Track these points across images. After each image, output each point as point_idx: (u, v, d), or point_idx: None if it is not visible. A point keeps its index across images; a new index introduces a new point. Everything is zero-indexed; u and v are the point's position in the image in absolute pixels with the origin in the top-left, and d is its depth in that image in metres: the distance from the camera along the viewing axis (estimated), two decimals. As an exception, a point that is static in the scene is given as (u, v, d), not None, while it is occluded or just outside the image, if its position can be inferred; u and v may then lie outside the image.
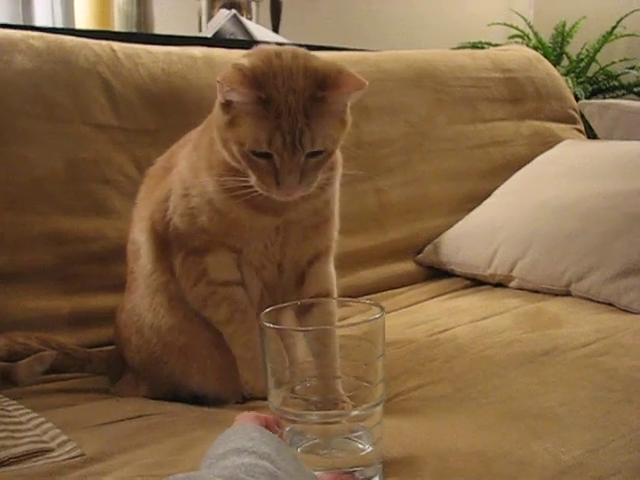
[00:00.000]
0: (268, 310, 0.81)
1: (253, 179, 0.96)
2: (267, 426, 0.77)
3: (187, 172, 1.08)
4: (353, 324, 0.81)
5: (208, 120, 1.12)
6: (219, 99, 0.97)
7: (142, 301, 1.13)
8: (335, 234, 1.15)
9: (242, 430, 0.72)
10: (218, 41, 2.06)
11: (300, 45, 2.16)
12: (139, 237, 1.14)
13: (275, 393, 0.79)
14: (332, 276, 1.14)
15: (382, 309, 0.79)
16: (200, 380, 1.12)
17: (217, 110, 0.98)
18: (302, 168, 0.94)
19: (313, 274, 1.11)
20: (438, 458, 0.83)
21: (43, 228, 1.40)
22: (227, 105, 0.95)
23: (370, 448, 0.78)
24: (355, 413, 0.77)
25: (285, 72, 0.93)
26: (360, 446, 0.78)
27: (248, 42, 2.17)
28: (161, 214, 1.10)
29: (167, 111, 1.60)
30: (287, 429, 0.77)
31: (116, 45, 1.62)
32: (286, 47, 1.01)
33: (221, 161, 1.01)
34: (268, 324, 0.78)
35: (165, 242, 1.10)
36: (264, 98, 0.92)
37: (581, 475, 0.79)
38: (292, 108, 0.92)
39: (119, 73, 1.57)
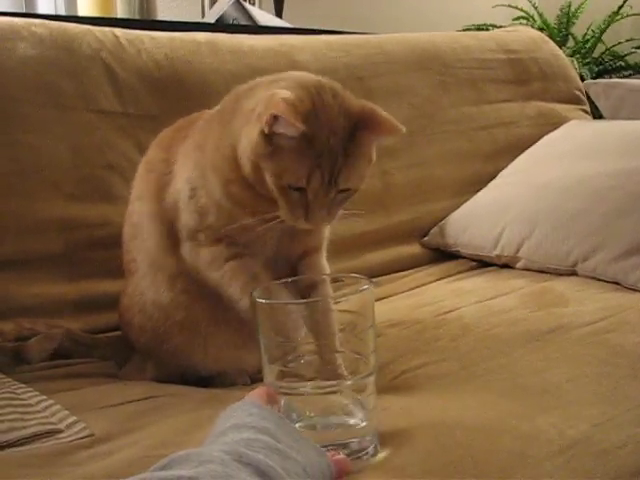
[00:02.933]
0: (261, 287, 0.83)
1: (282, 210, 0.96)
2: (274, 399, 0.78)
3: (192, 172, 1.07)
4: (343, 296, 0.82)
5: (210, 119, 1.12)
6: (262, 128, 0.93)
7: (143, 280, 1.14)
8: (326, 232, 1.15)
9: (241, 407, 0.73)
10: (221, 26, 2.06)
11: (303, 30, 2.17)
12: (147, 224, 1.14)
13: (269, 369, 0.80)
14: (325, 267, 1.14)
15: (370, 281, 0.80)
16: (201, 357, 1.13)
17: (256, 138, 0.94)
18: (330, 203, 0.96)
19: (305, 265, 1.12)
20: (444, 432, 0.83)
21: (48, 215, 1.41)
22: (269, 136, 0.93)
23: (364, 423, 0.79)
24: (348, 384, 0.78)
25: (328, 110, 0.94)
26: (353, 421, 0.79)
27: (251, 27, 2.17)
28: (173, 213, 1.09)
29: (170, 96, 1.60)
30: (282, 403, 0.78)
31: (119, 31, 1.62)
32: (321, 81, 1.01)
33: (227, 161, 1.01)
34: (261, 300, 0.79)
35: (172, 230, 1.10)
36: (309, 135, 0.92)
37: (587, 449, 0.79)
38: (333, 148, 0.93)
39: (122, 59, 1.57)
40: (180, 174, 1.09)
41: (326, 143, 0.92)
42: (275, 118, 0.90)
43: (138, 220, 1.16)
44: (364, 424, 0.79)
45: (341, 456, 0.75)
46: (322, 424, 0.79)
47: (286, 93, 0.93)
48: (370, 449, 0.79)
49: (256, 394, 0.78)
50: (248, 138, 0.96)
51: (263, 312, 0.79)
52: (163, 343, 1.13)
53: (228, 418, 0.71)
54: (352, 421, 0.79)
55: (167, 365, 1.15)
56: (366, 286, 0.79)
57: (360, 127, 0.96)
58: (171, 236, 1.10)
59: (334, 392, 0.79)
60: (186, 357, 1.13)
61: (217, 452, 0.61)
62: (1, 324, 1.25)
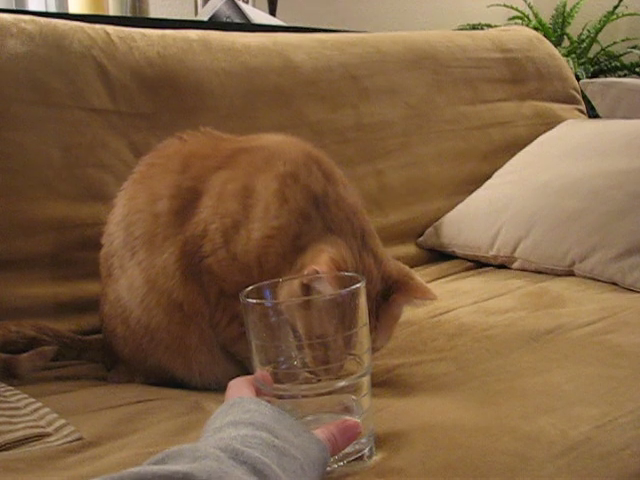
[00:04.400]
0: (250, 288, 0.80)
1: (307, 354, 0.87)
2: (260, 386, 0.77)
3: (230, 220, 1.04)
4: (335, 294, 0.80)
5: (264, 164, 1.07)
6: (302, 281, 0.92)
7: (130, 293, 1.09)
8: None
9: (238, 403, 0.71)
10: (214, 25, 2.04)
11: (298, 28, 2.16)
12: (160, 241, 1.09)
13: (260, 369, 0.78)
14: None
15: (362, 278, 0.78)
16: (187, 373, 1.10)
17: (295, 287, 0.92)
18: None
19: None
20: (443, 434, 0.81)
21: (39, 214, 1.38)
22: (308, 288, 0.91)
23: (358, 419, 0.77)
24: (342, 384, 0.76)
25: (367, 274, 0.95)
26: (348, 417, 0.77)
27: (245, 25, 2.15)
28: (195, 247, 1.05)
29: (163, 95, 1.58)
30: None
31: (110, 29, 1.60)
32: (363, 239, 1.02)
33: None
34: (251, 300, 0.77)
35: (193, 263, 1.06)
36: None
37: (589, 451, 0.77)
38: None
39: (114, 57, 1.55)
40: (217, 215, 1.05)
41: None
42: (319, 278, 0.90)
43: (143, 231, 1.11)
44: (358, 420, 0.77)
45: (346, 419, 0.75)
46: (315, 424, 0.76)
47: (333, 251, 0.94)
48: (366, 451, 0.78)
49: (243, 383, 0.77)
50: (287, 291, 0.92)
51: (254, 313, 0.77)
52: (147, 358, 1.10)
53: (225, 414, 0.70)
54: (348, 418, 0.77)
55: (154, 374, 1.13)
56: (358, 284, 0.77)
57: (394, 290, 0.99)
58: (189, 265, 1.06)
59: (328, 394, 0.76)
60: (171, 372, 1.10)
61: (212, 448, 0.60)
62: None
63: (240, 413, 0.69)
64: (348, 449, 0.75)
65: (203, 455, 0.58)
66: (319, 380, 0.78)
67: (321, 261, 0.92)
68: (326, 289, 0.89)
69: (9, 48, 1.42)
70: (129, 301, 1.10)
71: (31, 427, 0.90)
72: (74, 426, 0.91)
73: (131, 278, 1.10)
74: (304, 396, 0.77)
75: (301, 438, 0.68)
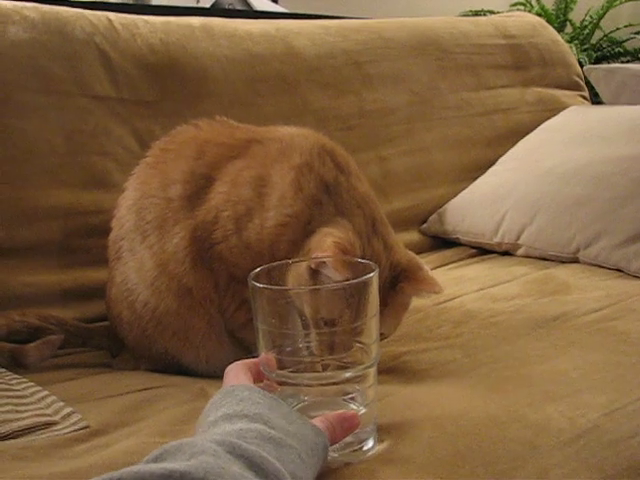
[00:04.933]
0: (258, 270, 0.79)
1: (314, 341, 0.86)
2: (257, 371, 0.76)
3: (244, 208, 1.04)
4: (346, 282, 0.78)
5: (279, 153, 1.08)
6: (309, 265, 0.92)
7: (139, 275, 1.09)
8: None
9: (231, 393, 0.70)
10: (216, 11, 2.03)
11: (300, 15, 2.15)
12: (171, 225, 1.09)
13: (266, 354, 0.77)
14: None
15: (375, 267, 0.77)
16: (194, 360, 1.10)
17: (302, 270, 0.92)
18: None
19: None
20: (450, 421, 0.81)
21: (42, 202, 1.38)
22: (315, 272, 0.91)
23: (363, 409, 0.76)
24: (348, 375, 0.75)
25: (374, 260, 0.91)
26: (354, 407, 0.76)
27: (247, 12, 2.14)
28: (206, 234, 1.06)
29: (166, 81, 1.57)
30: (279, 390, 0.76)
31: (112, 15, 1.59)
32: (374, 227, 1.02)
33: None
34: (259, 284, 0.76)
35: (203, 248, 1.07)
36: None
37: (598, 438, 0.77)
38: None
39: (116, 44, 1.54)
40: (230, 202, 1.06)
41: None
42: (324, 262, 0.90)
43: (154, 215, 1.11)
44: (363, 411, 0.76)
45: (351, 412, 0.74)
46: (315, 407, 0.76)
47: (339, 235, 0.94)
48: (369, 441, 0.77)
49: (240, 368, 0.76)
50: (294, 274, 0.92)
51: (262, 297, 0.76)
52: (153, 344, 1.10)
53: (219, 405, 0.69)
54: (351, 407, 0.76)
55: (159, 361, 1.13)
56: (371, 274, 0.76)
57: (402, 279, 1.00)
58: (200, 250, 1.06)
59: (333, 384, 0.76)
60: (177, 359, 1.11)
61: (209, 442, 0.59)
62: None
63: (234, 404, 0.68)
64: (349, 439, 0.75)
65: (200, 451, 0.57)
66: (325, 369, 0.77)
67: (325, 246, 0.92)
68: (331, 274, 0.89)
69: (11, 35, 1.41)
70: (137, 284, 1.10)
71: (38, 415, 0.89)
72: (81, 414, 0.91)
73: (141, 261, 1.10)
74: (308, 385, 0.76)
75: (296, 425, 0.68)
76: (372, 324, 0.77)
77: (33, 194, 1.38)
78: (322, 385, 0.76)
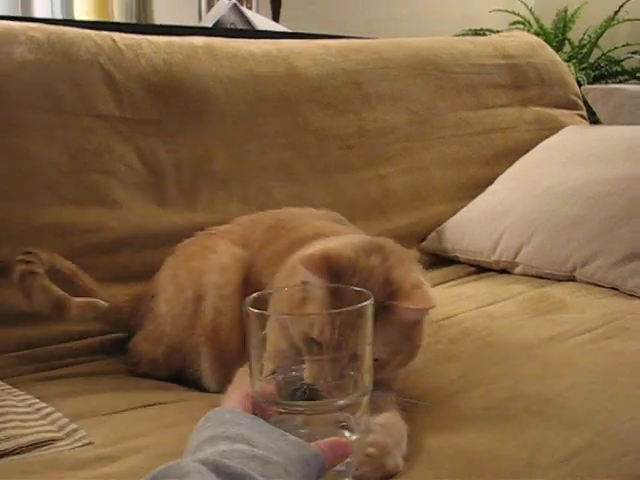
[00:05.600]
0: (253, 296, 0.79)
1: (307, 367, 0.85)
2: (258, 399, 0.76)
3: None
4: (342, 310, 0.78)
5: None
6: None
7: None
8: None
9: (214, 416, 0.71)
10: (218, 31, 2.05)
11: (301, 34, 2.17)
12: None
13: (258, 381, 0.77)
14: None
15: (371, 296, 0.77)
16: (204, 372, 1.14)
17: (294, 290, 0.93)
18: None
19: None
20: (446, 440, 0.83)
21: (45, 219, 1.39)
22: (303, 283, 0.92)
23: (355, 437, 0.75)
24: (341, 403, 0.74)
25: (365, 274, 0.92)
26: (346, 435, 0.76)
27: (249, 31, 2.17)
28: None
29: (169, 101, 1.59)
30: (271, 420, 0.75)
31: (117, 36, 1.61)
32: (386, 243, 1.00)
33: None
34: (252, 309, 0.76)
35: None
36: (335, 290, 0.89)
37: (592, 456, 0.79)
38: None
39: (120, 64, 1.56)
40: None
41: None
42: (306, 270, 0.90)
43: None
44: (355, 438, 0.75)
45: (342, 440, 0.73)
46: (310, 438, 0.74)
47: (332, 247, 0.94)
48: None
49: (237, 399, 0.76)
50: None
51: (255, 322, 0.76)
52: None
53: (202, 430, 0.70)
54: (345, 435, 0.76)
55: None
56: (367, 301, 0.76)
57: (395, 297, 0.91)
58: None
59: (325, 412, 0.76)
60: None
61: (194, 463, 0.60)
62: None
63: (216, 426, 0.68)
64: (340, 467, 0.73)
65: (186, 472, 0.58)
66: (317, 396, 0.76)
67: (309, 255, 0.91)
68: (309, 278, 0.90)
69: (17, 55, 1.44)
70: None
71: (43, 432, 0.91)
72: (85, 431, 0.92)
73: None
74: (300, 412, 0.75)
75: (278, 442, 0.68)
76: (366, 352, 0.76)
77: (37, 211, 1.39)
78: (315, 413, 0.76)
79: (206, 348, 1.12)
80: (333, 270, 0.89)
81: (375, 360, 0.85)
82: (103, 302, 1.23)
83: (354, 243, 0.97)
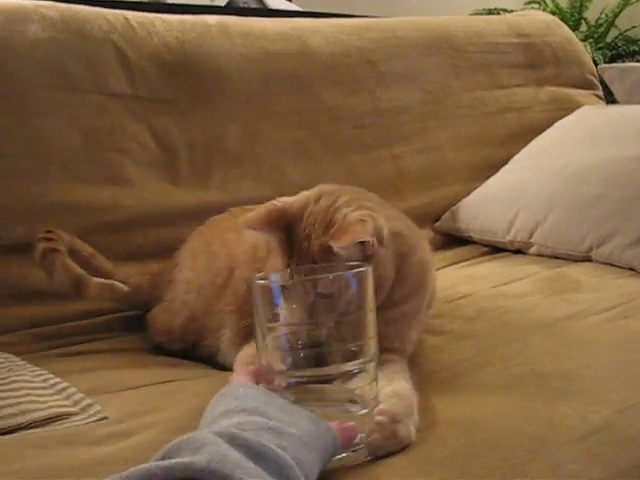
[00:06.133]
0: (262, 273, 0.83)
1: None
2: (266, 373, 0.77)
3: None
4: (340, 275, 0.79)
5: None
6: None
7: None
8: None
9: (227, 392, 0.72)
10: (231, 10, 2.04)
11: (314, 13, 2.16)
12: None
13: (265, 353, 0.78)
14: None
15: (368, 265, 0.79)
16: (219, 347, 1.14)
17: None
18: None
19: None
20: (462, 417, 0.82)
21: (59, 198, 1.40)
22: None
23: (365, 411, 0.76)
24: (347, 369, 0.75)
25: (311, 219, 0.92)
26: (354, 410, 0.77)
27: (262, 10, 2.16)
28: None
29: (182, 79, 1.59)
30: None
31: (129, 14, 1.61)
32: (344, 189, 0.98)
33: None
34: (259, 281, 0.77)
35: None
36: (284, 240, 0.93)
37: (610, 435, 0.78)
38: (304, 254, 0.91)
39: (133, 42, 1.56)
40: None
41: (298, 249, 0.92)
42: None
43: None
44: (364, 412, 0.76)
45: (348, 424, 0.73)
46: (319, 414, 0.74)
47: (285, 200, 0.96)
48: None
49: (245, 375, 0.77)
50: None
51: (260, 295, 0.77)
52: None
53: (216, 405, 0.70)
54: (352, 409, 0.77)
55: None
56: (363, 268, 0.78)
57: (332, 236, 0.89)
58: None
59: (330, 380, 0.76)
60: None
61: (209, 434, 0.60)
62: None
63: (230, 401, 0.69)
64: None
65: (201, 444, 0.58)
66: (323, 362, 0.77)
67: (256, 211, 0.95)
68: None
69: (31, 34, 1.43)
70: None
71: (58, 406, 0.91)
72: (100, 406, 0.93)
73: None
74: (308, 381, 0.76)
75: (293, 416, 0.69)
76: (369, 318, 0.77)
77: (50, 190, 1.40)
78: (323, 378, 0.76)
79: (233, 318, 1.11)
80: (279, 221, 0.93)
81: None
82: (122, 285, 1.23)
83: (307, 193, 0.98)
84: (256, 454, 0.59)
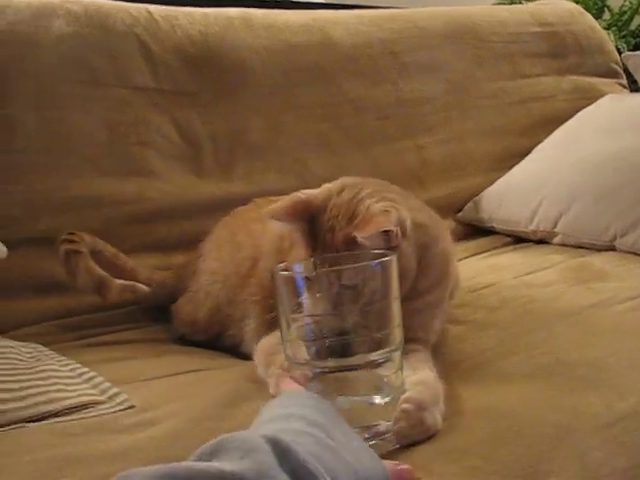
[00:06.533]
0: (284, 264, 0.82)
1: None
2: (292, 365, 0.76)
3: None
4: (364, 265, 0.79)
5: None
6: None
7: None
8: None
9: (296, 397, 0.68)
10: (253, 2, 2.04)
11: (335, 4, 2.15)
12: None
13: (290, 345, 0.78)
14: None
15: (392, 253, 0.79)
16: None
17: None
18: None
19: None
20: (489, 405, 0.82)
21: (83, 191, 1.42)
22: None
23: (389, 398, 0.76)
24: (373, 358, 0.75)
25: (335, 211, 0.93)
26: (379, 400, 0.77)
27: (284, 2, 2.16)
28: None
29: (205, 72, 1.60)
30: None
31: (152, 7, 1.62)
32: (366, 182, 0.98)
33: None
34: (282, 272, 0.77)
35: None
36: (307, 231, 0.94)
37: (636, 422, 0.77)
38: (327, 245, 0.92)
39: (156, 35, 1.57)
40: None
41: (322, 240, 0.92)
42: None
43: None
44: (389, 399, 0.76)
45: (405, 466, 0.66)
46: (345, 404, 0.75)
47: (309, 191, 0.97)
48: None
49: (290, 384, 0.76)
50: None
51: (284, 286, 0.77)
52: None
53: (278, 406, 0.65)
54: (377, 400, 0.77)
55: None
56: (388, 257, 0.77)
57: (356, 228, 0.90)
58: None
59: (355, 369, 0.76)
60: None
61: (260, 438, 0.53)
62: None
63: (295, 407, 0.64)
64: (380, 428, 0.75)
65: (251, 448, 0.52)
66: (349, 352, 0.77)
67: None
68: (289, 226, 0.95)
69: (55, 29, 1.45)
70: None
71: (86, 395, 0.93)
72: (127, 395, 0.94)
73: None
74: (334, 371, 0.76)
75: (354, 445, 0.63)
76: (394, 307, 0.77)
77: (74, 183, 1.42)
78: (345, 369, 0.76)
79: (258, 308, 1.11)
80: (303, 212, 0.93)
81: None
82: (143, 286, 1.25)
83: (330, 185, 0.98)
84: (299, 476, 0.52)
